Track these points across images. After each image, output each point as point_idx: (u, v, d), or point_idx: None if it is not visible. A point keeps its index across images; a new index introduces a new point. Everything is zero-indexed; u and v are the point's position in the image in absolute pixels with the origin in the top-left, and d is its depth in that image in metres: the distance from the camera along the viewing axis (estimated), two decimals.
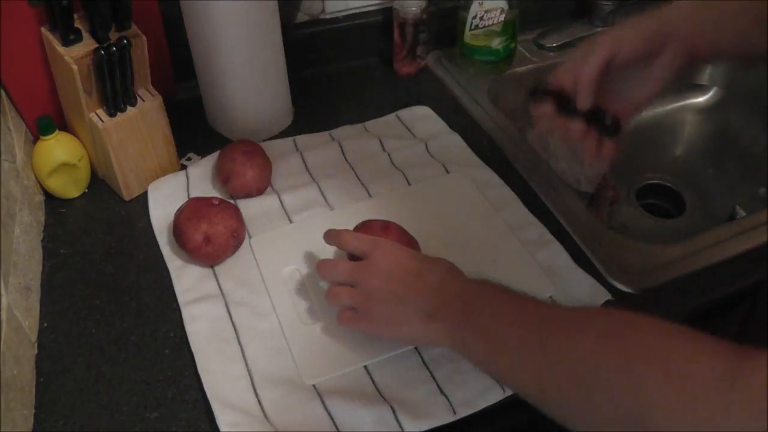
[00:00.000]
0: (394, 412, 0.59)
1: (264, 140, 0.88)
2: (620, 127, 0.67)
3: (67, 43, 0.72)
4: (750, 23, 0.60)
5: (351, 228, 0.69)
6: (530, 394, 0.50)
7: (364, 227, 0.68)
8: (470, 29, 0.96)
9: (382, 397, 0.60)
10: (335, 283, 0.63)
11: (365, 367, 0.63)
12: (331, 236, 0.65)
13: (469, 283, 0.58)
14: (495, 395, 0.60)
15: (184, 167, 0.84)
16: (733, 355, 0.39)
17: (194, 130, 0.91)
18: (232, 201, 0.78)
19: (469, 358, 0.56)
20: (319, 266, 0.64)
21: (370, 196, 0.80)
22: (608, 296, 0.67)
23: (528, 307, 0.53)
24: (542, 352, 0.48)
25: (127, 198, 0.81)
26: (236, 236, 0.71)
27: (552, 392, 0.47)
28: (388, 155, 0.86)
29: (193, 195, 0.79)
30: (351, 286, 0.61)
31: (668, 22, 0.62)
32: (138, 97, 0.77)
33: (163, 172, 0.82)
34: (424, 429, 0.58)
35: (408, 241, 0.68)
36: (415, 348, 0.64)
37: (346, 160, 0.85)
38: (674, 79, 0.65)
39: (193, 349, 0.64)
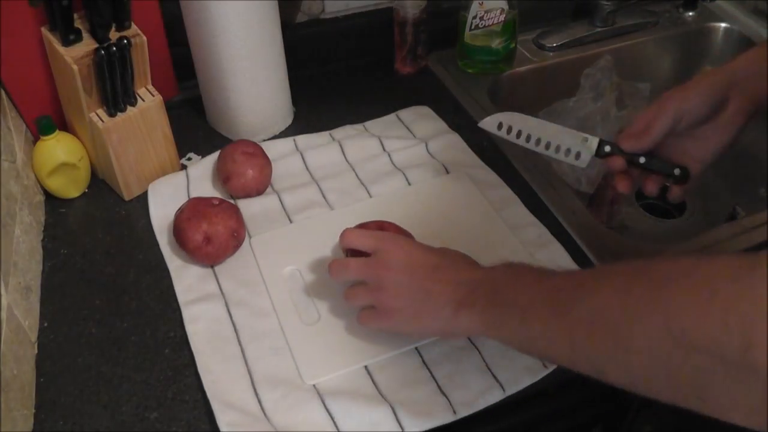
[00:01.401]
0: (394, 412, 0.59)
1: (264, 140, 0.88)
2: (689, 175, 0.66)
3: (67, 43, 0.72)
4: None
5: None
6: (565, 357, 0.48)
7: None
8: (470, 29, 0.96)
9: (382, 397, 0.60)
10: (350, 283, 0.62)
11: (365, 367, 0.63)
12: (341, 238, 0.64)
13: (492, 268, 0.57)
14: (495, 395, 0.60)
15: (184, 167, 0.84)
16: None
17: (194, 130, 0.91)
18: (232, 201, 0.78)
19: (503, 338, 0.54)
20: (330, 267, 0.63)
21: (370, 196, 0.80)
22: None
23: (555, 277, 0.51)
24: (571, 310, 0.46)
25: (127, 198, 0.81)
26: (236, 236, 0.71)
27: (584, 346, 0.46)
28: (389, 155, 0.86)
29: (193, 195, 0.80)
30: (365, 283, 0.60)
31: (732, 75, 0.63)
32: (138, 97, 0.77)
33: (163, 172, 0.82)
34: (424, 429, 0.58)
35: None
36: (416, 348, 0.64)
37: (346, 160, 0.85)
38: (740, 131, 0.65)
39: (193, 349, 0.64)
